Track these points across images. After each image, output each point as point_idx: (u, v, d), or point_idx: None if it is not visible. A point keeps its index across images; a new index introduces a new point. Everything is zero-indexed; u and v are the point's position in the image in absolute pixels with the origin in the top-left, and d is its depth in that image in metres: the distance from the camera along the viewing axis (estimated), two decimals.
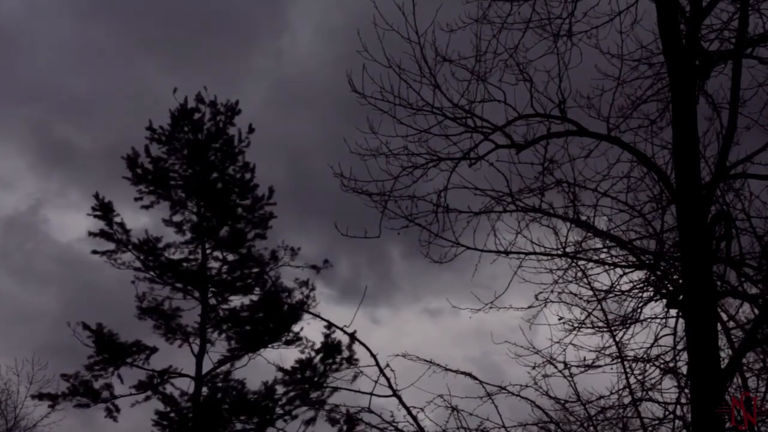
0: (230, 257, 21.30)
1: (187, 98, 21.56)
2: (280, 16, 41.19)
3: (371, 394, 8.65)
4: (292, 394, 20.43)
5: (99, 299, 31.53)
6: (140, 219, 22.10)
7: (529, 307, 9.01)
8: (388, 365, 8.71)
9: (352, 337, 11.57)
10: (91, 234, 20.84)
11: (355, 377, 9.78)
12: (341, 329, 11.52)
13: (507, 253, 8.68)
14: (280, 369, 20.42)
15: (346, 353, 20.59)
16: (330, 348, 20.61)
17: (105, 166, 39.12)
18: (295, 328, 20.89)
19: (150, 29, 43.18)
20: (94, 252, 20.83)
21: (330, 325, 17.70)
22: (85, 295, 32.59)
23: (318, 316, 12.41)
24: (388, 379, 8.63)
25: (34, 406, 21.99)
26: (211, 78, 42.58)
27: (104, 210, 20.81)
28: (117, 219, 20.90)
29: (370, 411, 8.62)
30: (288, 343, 20.75)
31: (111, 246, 20.82)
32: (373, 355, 8.82)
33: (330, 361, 20.56)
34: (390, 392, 8.66)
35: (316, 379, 20.46)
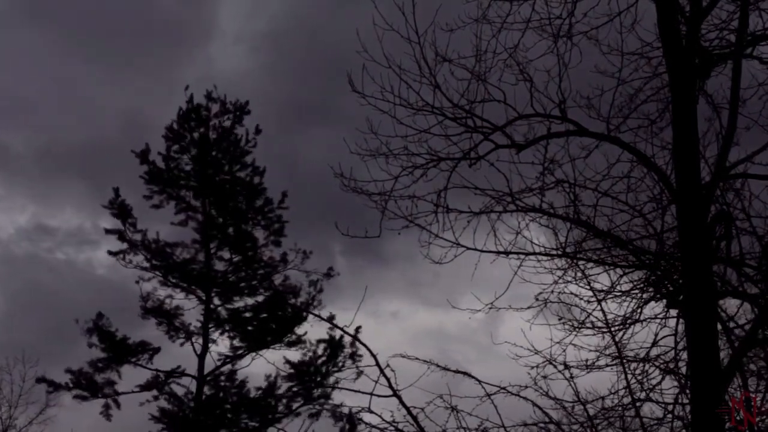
0: (236, 258, 21.29)
1: (193, 95, 21.53)
2: (208, 23, 41.61)
3: (371, 394, 8.64)
4: (294, 391, 20.44)
5: (40, 296, 32.02)
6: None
7: (528, 307, 9.03)
8: (388, 365, 8.71)
9: (354, 337, 11.61)
10: (107, 232, 20.90)
11: (358, 375, 9.78)
12: (342, 329, 11.59)
13: (507, 253, 8.69)
14: (287, 362, 20.42)
15: (348, 350, 20.59)
16: (333, 346, 20.61)
17: (39, 166, 39.31)
18: (299, 329, 20.91)
19: (79, 33, 43.49)
20: (110, 253, 20.88)
21: (332, 326, 17.78)
22: (27, 293, 33.00)
23: (320, 317, 12.44)
24: (388, 379, 8.62)
25: (26, 405, 22.10)
26: (140, 81, 43.00)
27: (120, 209, 20.79)
28: (130, 220, 20.90)
29: (370, 411, 8.62)
30: (291, 344, 20.75)
31: (124, 246, 20.84)
32: (374, 355, 8.81)
33: (333, 360, 20.56)
34: (390, 392, 8.65)
35: (318, 378, 20.47)
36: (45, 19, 42.74)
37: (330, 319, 17.23)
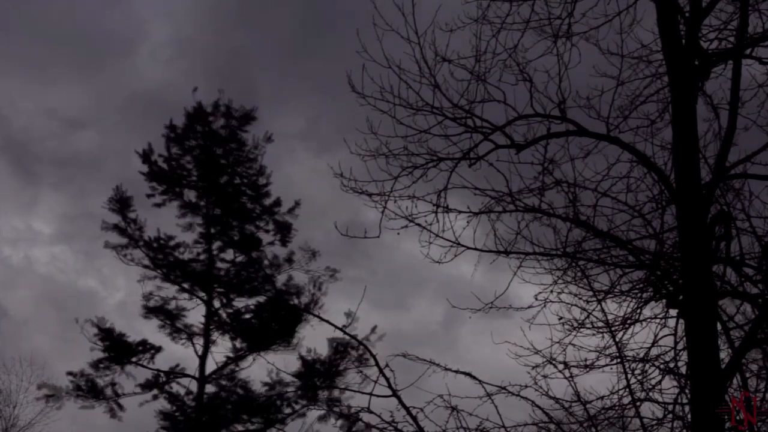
0: (240, 258, 21.30)
1: (202, 100, 21.60)
2: (133, 29, 41.82)
3: (371, 394, 8.65)
4: (298, 393, 20.43)
5: None
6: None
7: (529, 307, 9.01)
8: (387, 365, 8.71)
9: (354, 338, 11.62)
10: (104, 227, 20.86)
11: (363, 380, 9.79)
12: (343, 331, 11.59)
13: (507, 253, 8.68)
14: (299, 358, 20.44)
15: (354, 354, 20.56)
16: (338, 350, 20.59)
17: None
18: (301, 330, 20.91)
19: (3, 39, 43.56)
20: (107, 245, 20.84)
21: (334, 327, 17.74)
22: None
23: (320, 318, 12.33)
24: (387, 379, 8.63)
25: (35, 402, 22.11)
26: (66, 84, 43.20)
27: (121, 204, 20.78)
28: (132, 215, 20.90)
29: (369, 411, 8.62)
30: (292, 345, 20.76)
31: (124, 241, 20.83)
32: (373, 356, 8.83)
33: (338, 363, 20.54)
34: (390, 392, 8.66)
35: (321, 380, 20.46)
36: None
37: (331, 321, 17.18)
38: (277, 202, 21.57)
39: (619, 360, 9.02)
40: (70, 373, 20.00)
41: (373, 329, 19.84)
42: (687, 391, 8.55)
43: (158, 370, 20.28)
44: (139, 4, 41.26)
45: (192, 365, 20.33)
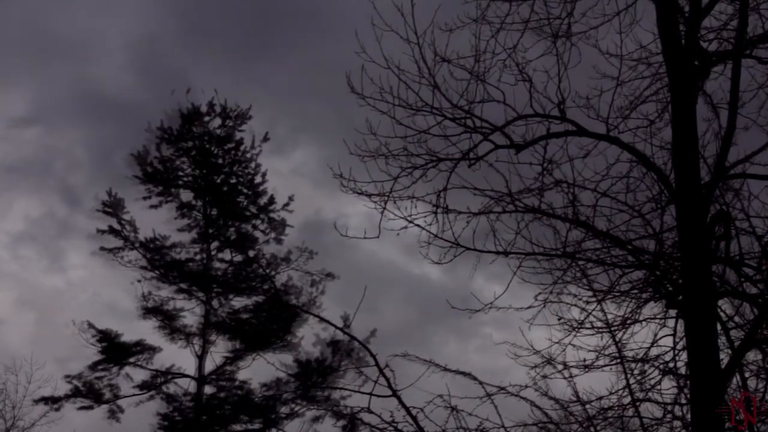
0: (237, 258, 21.27)
1: (201, 102, 21.56)
2: (85, 31, 41.67)
3: (371, 394, 8.66)
4: (295, 392, 20.42)
5: None
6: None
7: (528, 308, 9.00)
8: (387, 365, 8.72)
9: (354, 338, 11.62)
10: (99, 231, 20.79)
11: (364, 381, 9.77)
12: (342, 330, 11.61)
13: (506, 253, 8.67)
14: (293, 365, 20.41)
15: (346, 349, 20.52)
16: (334, 347, 20.59)
17: None
18: (299, 330, 20.90)
19: None
20: (102, 249, 20.78)
21: (332, 327, 17.74)
22: None
23: (318, 317, 12.36)
24: (387, 379, 8.64)
25: (32, 406, 22.01)
26: (14, 87, 43.07)
27: (114, 207, 20.73)
28: (126, 216, 20.84)
29: (369, 411, 8.62)
30: (290, 345, 20.73)
31: (119, 243, 20.77)
32: (373, 356, 8.83)
33: (334, 361, 20.52)
34: (390, 392, 8.66)
35: (319, 379, 20.44)
36: None
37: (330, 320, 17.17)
38: (272, 200, 21.56)
39: (618, 360, 9.04)
40: (68, 377, 19.97)
41: (373, 332, 19.79)
42: (686, 391, 8.56)
43: (157, 371, 20.27)
44: (90, 6, 41.02)
45: (190, 366, 20.36)
